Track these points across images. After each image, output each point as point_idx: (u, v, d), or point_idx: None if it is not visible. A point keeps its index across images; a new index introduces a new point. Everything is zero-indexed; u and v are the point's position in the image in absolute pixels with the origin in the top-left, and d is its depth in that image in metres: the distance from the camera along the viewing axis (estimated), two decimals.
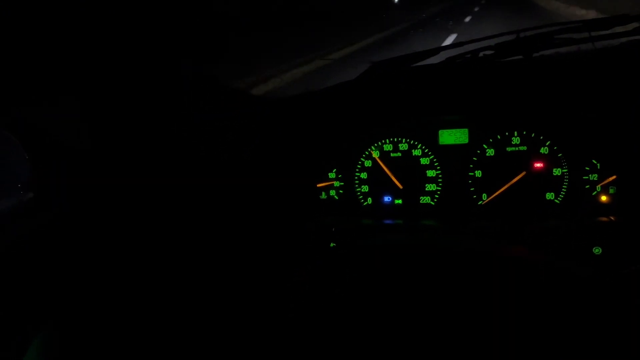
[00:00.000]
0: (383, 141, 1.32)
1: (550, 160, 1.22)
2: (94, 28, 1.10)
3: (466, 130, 1.26)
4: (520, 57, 1.29)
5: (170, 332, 1.08)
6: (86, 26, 1.09)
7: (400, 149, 1.31)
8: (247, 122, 1.36)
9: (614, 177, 1.19)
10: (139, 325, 1.08)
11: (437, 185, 1.29)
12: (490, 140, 1.25)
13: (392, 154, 1.32)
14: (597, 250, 1.11)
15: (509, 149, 1.24)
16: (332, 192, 1.37)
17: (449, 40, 11.44)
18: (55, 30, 1.11)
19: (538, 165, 1.23)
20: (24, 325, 0.97)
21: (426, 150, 1.29)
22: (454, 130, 1.27)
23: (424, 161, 1.30)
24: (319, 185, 1.37)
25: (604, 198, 1.20)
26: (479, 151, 1.26)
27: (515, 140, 1.24)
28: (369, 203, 1.34)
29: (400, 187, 1.31)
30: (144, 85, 1.20)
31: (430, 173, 1.29)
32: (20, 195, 1.16)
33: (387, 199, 1.33)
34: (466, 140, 1.26)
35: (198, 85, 1.30)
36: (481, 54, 1.32)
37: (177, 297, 1.13)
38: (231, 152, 1.30)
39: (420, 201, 1.31)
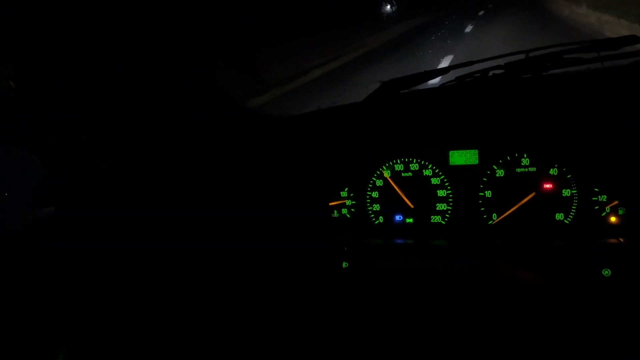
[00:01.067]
0: (394, 161, 1.34)
1: (560, 182, 1.24)
2: (93, 29, 1.13)
3: (476, 151, 1.28)
4: (529, 75, 1.30)
5: (178, 336, 1.11)
6: (85, 28, 1.12)
7: (411, 168, 1.33)
8: (255, 140, 1.39)
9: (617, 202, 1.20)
10: (149, 329, 1.11)
11: (448, 205, 1.31)
12: (500, 161, 1.27)
13: (403, 174, 1.34)
14: (606, 272, 1.13)
15: (518, 169, 1.26)
16: (344, 211, 1.39)
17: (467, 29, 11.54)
18: (58, 38, 1.14)
19: (547, 186, 1.25)
20: (48, 340, 1.00)
21: (437, 171, 1.31)
22: (464, 151, 1.29)
23: (435, 181, 1.32)
24: (331, 203, 1.39)
25: (613, 219, 1.21)
26: (489, 172, 1.28)
27: (525, 161, 1.26)
28: (381, 222, 1.37)
29: (412, 206, 1.34)
30: (146, 88, 1.22)
31: (441, 193, 1.32)
32: (38, 212, 1.19)
33: (398, 217, 1.35)
34: (476, 161, 1.28)
35: (200, 94, 1.32)
36: (491, 73, 1.34)
37: (186, 304, 1.15)
38: (239, 169, 1.32)
39: (431, 220, 1.33)
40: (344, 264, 1.28)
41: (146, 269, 1.16)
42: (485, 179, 1.28)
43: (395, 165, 1.34)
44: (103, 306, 1.10)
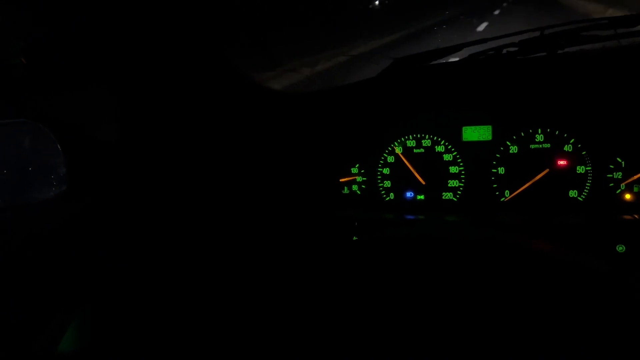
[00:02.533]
0: (406, 137, 1.33)
1: (574, 158, 1.22)
2: (110, 21, 1.12)
3: (489, 127, 1.27)
4: (544, 54, 1.29)
5: (188, 317, 1.10)
6: (103, 20, 1.11)
7: (424, 145, 1.32)
8: (267, 116, 1.38)
9: (638, 175, 1.19)
10: (162, 310, 1.11)
11: (460, 182, 1.30)
12: (514, 137, 1.26)
13: (415, 150, 1.33)
14: (620, 248, 1.12)
15: (532, 146, 1.25)
16: (355, 187, 1.38)
17: (481, 28, 11.40)
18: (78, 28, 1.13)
19: (561, 162, 1.23)
20: (62, 308, 1.00)
21: (449, 147, 1.30)
22: (477, 127, 1.28)
23: (447, 157, 1.31)
24: (341, 180, 1.39)
25: (628, 196, 1.20)
26: (502, 148, 1.27)
27: (539, 137, 1.24)
28: (391, 198, 1.36)
29: (423, 182, 1.33)
30: (163, 79, 1.22)
31: (453, 169, 1.30)
32: (54, 186, 1.19)
33: (409, 194, 1.34)
34: (489, 137, 1.27)
35: (216, 78, 1.31)
36: (504, 51, 1.33)
37: (196, 285, 1.15)
38: (250, 146, 1.32)
39: (443, 197, 1.32)
40: (354, 238, 1.27)
41: (156, 253, 1.16)
42: (498, 155, 1.27)
43: (407, 142, 1.33)
44: (116, 281, 1.09)
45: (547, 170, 1.24)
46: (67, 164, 1.14)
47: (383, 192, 1.36)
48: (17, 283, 1.08)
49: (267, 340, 0.84)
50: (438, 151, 1.31)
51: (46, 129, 1.13)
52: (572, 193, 1.23)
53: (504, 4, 18.28)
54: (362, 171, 1.37)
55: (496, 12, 15.58)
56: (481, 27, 11.56)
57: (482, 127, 1.27)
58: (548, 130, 1.24)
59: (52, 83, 1.27)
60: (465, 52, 1.43)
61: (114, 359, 1.00)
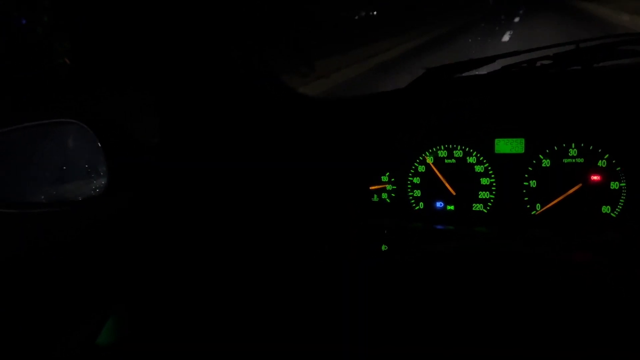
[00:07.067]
0: (437, 147, 1.34)
1: (608, 174, 1.22)
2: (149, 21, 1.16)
3: (522, 140, 1.27)
4: (579, 67, 1.29)
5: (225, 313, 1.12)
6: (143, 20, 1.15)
7: (455, 155, 1.33)
8: (300, 122, 1.40)
9: None
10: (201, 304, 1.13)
11: (491, 193, 1.31)
12: (547, 150, 1.25)
13: (446, 160, 1.34)
14: None
15: (565, 160, 1.24)
16: (384, 195, 1.40)
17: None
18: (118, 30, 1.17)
19: (595, 178, 1.23)
20: (101, 303, 1.04)
21: (481, 158, 1.31)
22: (510, 139, 1.28)
23: (479, 169, 1.31)
24: (371, 187, 1.40)
25: None
26: (534, 161, 1.26)
27: (573, 152, 1.24)
28: (421, 208, 1.37)
29: (454, 193, 1.33)
30: (202, 82, 1.25)
31: (484, 181, 1.31)
32: (95, 185, 1.23)
33: (439, 204, 1.35)
34: (522, 150, 1.27)
35: (253, 82, 1.34)
36: (538, 64, 1.33)
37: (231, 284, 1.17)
38: (284, 151, 1.34)
39: (473, 208, 1.32)
40: (383, 247, 1.28)
41: (190, 253, 1.18)
42: (530, 169, 1.27)
43: (439, 152, 1.34)
44: (155, 277, 1.12)
45: (580, 185, 1.23)
46: (108, 164, 1.17)
47: (413, 201, 1.37)
48: (57, 279, 1.12)
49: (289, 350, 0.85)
50: (469, 162, 1.32)
51: (88, 129, 1.17)
52: (605, 209, 1.23)
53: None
54: (393, 179, 1.39)
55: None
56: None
57: (514, 139, 1.27)
58: (582, 145, 1.23)
59: (94, 83, 1.31)
60: (497, 64, 1.43)
61: (150, 350, 1.03)
